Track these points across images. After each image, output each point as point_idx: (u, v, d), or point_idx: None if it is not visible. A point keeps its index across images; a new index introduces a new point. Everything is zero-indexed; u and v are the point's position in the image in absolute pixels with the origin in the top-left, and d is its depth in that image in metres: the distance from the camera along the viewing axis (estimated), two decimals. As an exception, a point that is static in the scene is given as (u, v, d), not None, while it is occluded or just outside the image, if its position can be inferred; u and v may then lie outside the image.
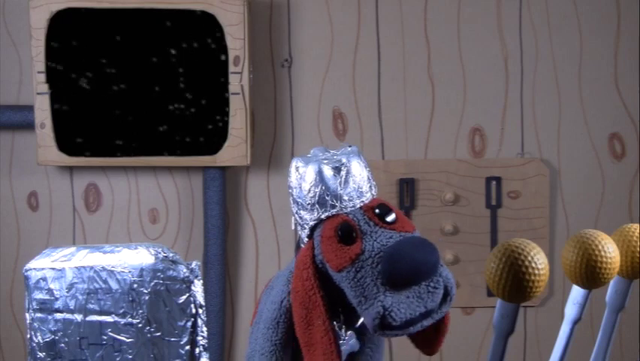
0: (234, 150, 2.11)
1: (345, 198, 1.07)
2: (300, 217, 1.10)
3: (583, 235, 1.01)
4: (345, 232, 1.05)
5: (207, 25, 2.08)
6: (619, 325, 1.17)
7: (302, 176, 1.08)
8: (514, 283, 0.90)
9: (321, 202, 1.07)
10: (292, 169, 1.10)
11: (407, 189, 2.20)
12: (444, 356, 2.26)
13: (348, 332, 1.12)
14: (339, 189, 1.07)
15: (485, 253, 2.18)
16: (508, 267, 0.90)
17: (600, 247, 1.00)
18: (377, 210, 1.07)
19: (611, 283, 1.14)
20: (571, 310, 1.08)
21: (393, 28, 2.20)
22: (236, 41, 2.09)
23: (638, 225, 1.10)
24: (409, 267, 1.01)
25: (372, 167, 2.17)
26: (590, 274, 1.00)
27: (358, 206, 1.07)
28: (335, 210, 1.07)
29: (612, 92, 2.21)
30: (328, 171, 1.07)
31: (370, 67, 2.21)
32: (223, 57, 2.09)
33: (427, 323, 1.02)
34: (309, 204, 1.08)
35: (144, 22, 2.08)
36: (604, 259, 1.00)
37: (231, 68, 2.09)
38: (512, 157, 2.22)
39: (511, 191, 2.21)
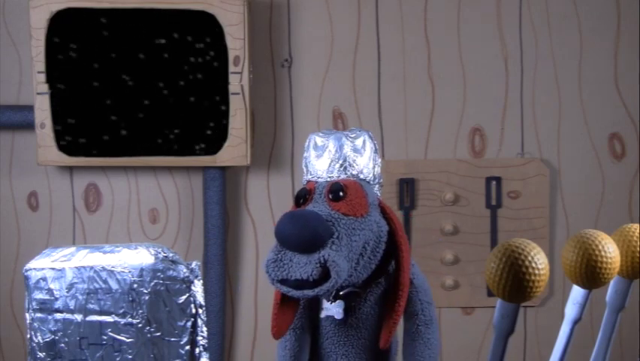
0: (234, 150, 2.11)
1: (317, 168, 1.20)
2: None
3: (583, 235, 1.01)
4: (298, 196, 1.18)
5: (207, 25, 2.08)
6: (619, 325, 1.17)
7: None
8: (514, 283, 0.91)
9: (305, 166, 1.23)
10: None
11: (407, 189, 2.20)
12: (444, 356, 2.26)
13: (337, 301, 1.20)
14: (314, 159, 1.20)
15: (485, 253, 2.18)
16: (508, 267, 0.90)
17: (600, 247, 1.00)
18: (332, 187, 1.16)
19: (611, 283, 1.14)
20: (571, 310, 1.08)
21: (393, 28, 2.20)
22: (236, 41, 2.09)
23: (638, 225, 1.10)
24: (276, 234, 1.14)
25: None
26: (590, 274, 1.00)
27: (326, 179, 1.18)
28: (309, 176, 1.21)
29: (612, 92, 2.21)
30: (313, 142, 1.21)
31: (370, 67, 2.21)
32: (223, 57, 2.09)
33: (297, 293, 1.11)
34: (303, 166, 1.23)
35: (144, 22, 2.08)
36: (604, 259, 1.00)
37: (231, 68, 2.09)
38: (512, 157, 2.22)
39: (511, 191, 2.21)
